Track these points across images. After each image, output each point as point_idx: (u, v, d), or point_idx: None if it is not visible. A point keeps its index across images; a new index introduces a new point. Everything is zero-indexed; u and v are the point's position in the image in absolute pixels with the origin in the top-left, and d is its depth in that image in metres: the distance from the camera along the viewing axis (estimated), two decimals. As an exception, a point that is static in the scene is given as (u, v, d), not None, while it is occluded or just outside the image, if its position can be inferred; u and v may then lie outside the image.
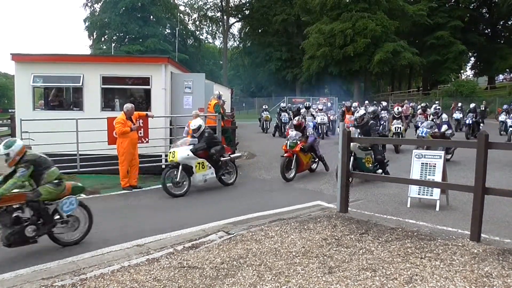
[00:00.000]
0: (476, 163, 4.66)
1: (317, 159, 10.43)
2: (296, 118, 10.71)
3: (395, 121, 14.11)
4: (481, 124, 18.71)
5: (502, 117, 20.05)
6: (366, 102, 30.33)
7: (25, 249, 5.33)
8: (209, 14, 60.81)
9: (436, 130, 10.69)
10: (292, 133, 9.87)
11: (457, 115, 21.94)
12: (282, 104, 20.99)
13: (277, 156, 12.99)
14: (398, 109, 14.84)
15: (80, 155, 9.75)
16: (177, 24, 54.37)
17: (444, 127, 10.99)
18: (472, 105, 18.84)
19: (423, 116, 16.00)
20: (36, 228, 5.02)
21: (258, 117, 24.80)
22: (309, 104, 15.75)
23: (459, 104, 24.61)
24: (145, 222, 6.54)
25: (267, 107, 24.29)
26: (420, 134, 10.61)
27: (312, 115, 16.11)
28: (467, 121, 18.03)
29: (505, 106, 21.60)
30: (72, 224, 5.33)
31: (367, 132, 9.51)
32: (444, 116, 11.80)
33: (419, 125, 15.09)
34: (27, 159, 5.02)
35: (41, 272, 4.45)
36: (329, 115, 19.09)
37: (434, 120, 11.69)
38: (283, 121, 19.39)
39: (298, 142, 9.53)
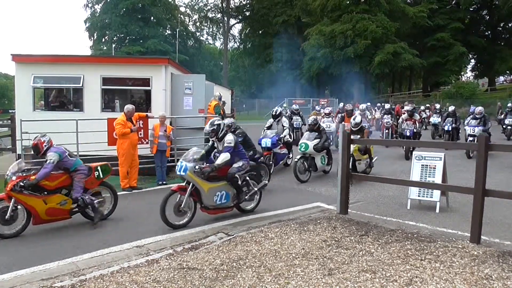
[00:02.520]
0: (476, 165, 4.66)
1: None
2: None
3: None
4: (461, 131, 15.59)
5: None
6: (369, 104, 30.01)
7: (25, 249, 5.34)
8: (210, 15, 60.95)
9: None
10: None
11: (435, 119, 18.58)
12: (294, 106, 17.55)
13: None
14: (355, 119, 10.30)
15: (80, 155, 9.70)
16: (178, 25, 54.43)
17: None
18: (451, 108, 15.99)
19: (410, 123, 13.10)
20: None
21: (263, 118, 22.06)
22: (278, 110, 11.40)
23: (437, 106, 21.49)
24: (145, 223, 6.53)
25: (284, 108, 20.68)
26: None
27: (283, 125, 11.09)
28: (446, 127, 15.07)
29: (472, 109, 17.78)
30: None
31: None
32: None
33: (407, 133, 12.78)
34: None
35: (41, 273, 4.45)
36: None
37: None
38: (295, 126, 16.19)
39: (14, 178, 6.05)
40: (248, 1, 58.86)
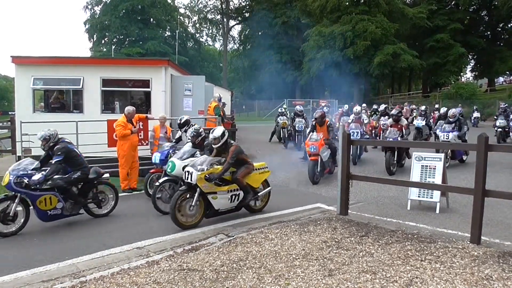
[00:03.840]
0: (476, 165, 4.66)
1: None
2: None
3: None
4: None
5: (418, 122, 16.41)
6: (364, 105, 29.90)
7: (25, 251, 5.34)
8: (209, 16, 61.09)
9: None
10: None
11: (419, 122, 16.64)
12: (298, 107, 16.40)
13: (277, 158, 12.99)
14: (213, 132, 6.75)
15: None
16: (177, 27, 54.54)
17: None
18: (443, 110, 14.02)
19: (395, 129, 10.73)
20: None
21: (262, 119, 20.38)
22: (184, 118, 9.20)
23: (422, 108, 19.19)
24: (145, 224, 6.53)
25: (283, 110, 18.57)
26: None
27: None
28: (438, 131, 12.44)
29: (458, 110, 14.39)
30: None
31: None
32: None
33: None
34: None
35: (41, 274, 4.45)
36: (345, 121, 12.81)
37: None
38: (297, 128, 15.24)
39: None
40: (247, 3, 58.96)
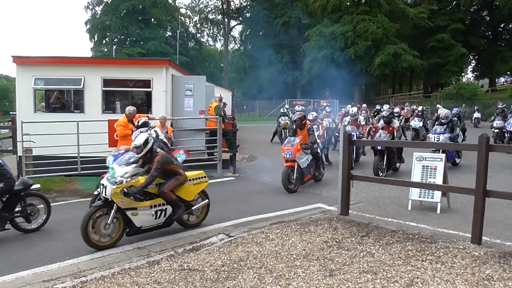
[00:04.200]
0: (477, 166, 4.66)
1: None
2: None
3: None
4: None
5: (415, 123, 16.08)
6: (364, 105, 29.79)
7: (26, 251, 5.35)
8: (210, 16, 61.08)
9: None
10: None
11: (416, 123, 16.18)
12: (297, 108, 16.21)
13: (278, 158, 13.00)
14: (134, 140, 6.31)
15: (81, 157, 9.76)
16: (178, 27, 54.57)
17: None
18: (440, 111, 12.43)
19: (386, 132, 10.08)
20: None
21: (263, 119, 19.77)
22: (142, 120, 8.38)
23: (419, 108, 18.56)
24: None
25: (286, 110, 18.34)
26: None
27: None
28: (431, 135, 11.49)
29: (455, 110, 14.30)
30: None
31: None
32: None
33: (378, 147, 9.96)
34: None
35: (42, 274, 4.46)
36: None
37: None
38: None
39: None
40: (248, 3, 58.98)
